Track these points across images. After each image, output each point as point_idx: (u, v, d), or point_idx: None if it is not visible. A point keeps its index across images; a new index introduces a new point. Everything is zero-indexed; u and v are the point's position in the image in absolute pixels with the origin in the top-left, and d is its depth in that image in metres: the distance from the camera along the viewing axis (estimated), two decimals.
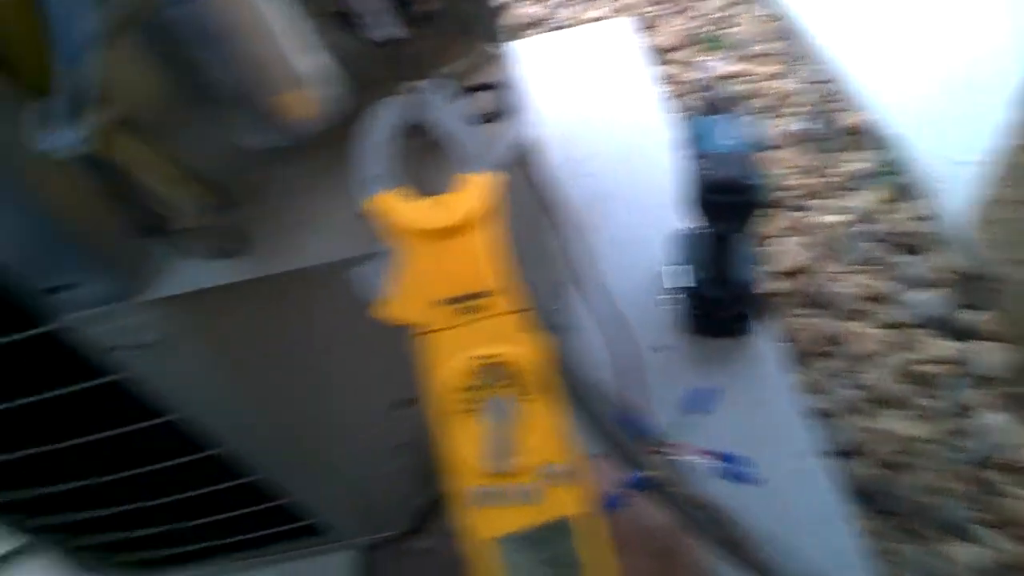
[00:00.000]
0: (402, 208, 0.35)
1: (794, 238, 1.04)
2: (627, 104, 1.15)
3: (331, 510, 0.69)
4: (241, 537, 0.72)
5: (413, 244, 0.34)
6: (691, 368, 0.85)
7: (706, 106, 0.71)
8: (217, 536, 0.70)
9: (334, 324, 0.56)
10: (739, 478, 0.47)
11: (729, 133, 0.64)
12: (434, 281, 0.34)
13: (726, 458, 0.48)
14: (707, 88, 0.74)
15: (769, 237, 1.05)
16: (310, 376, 0.56)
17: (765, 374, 0.85)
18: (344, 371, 0.58)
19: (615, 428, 0.49)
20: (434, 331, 0.34)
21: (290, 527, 0.71)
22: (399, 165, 0.36)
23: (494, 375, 0.34)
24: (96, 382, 0.46)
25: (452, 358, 0.34)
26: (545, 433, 0.34)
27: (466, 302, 0.34)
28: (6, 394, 0.46)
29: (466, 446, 0.33)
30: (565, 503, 0.34)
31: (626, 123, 1.12)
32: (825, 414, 0.89)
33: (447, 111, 0.37)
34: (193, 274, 0.40)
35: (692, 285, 0.82)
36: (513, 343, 0.34)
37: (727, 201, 0.64)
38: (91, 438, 0.51)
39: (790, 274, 1.01)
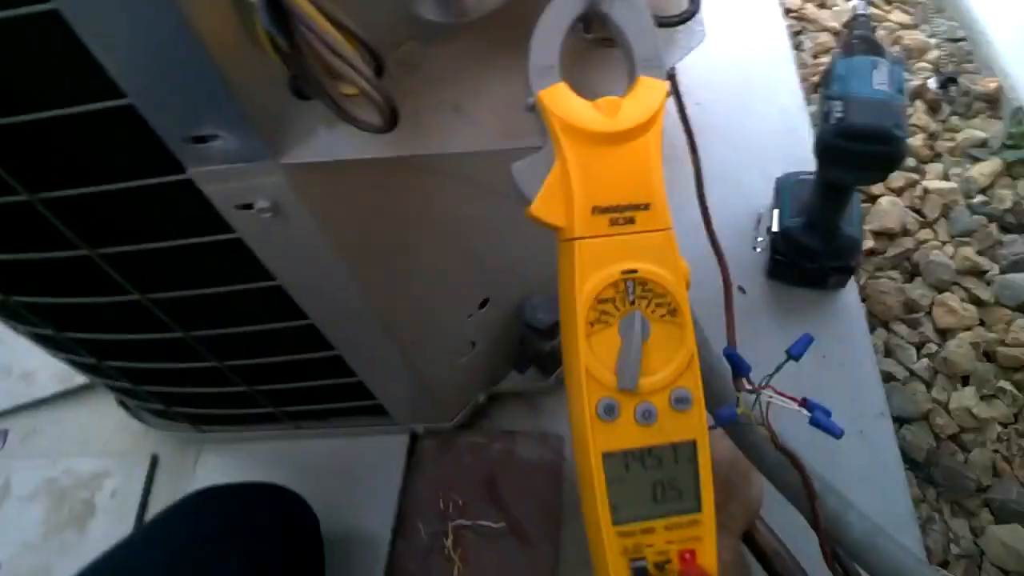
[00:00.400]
0: (573, 106, 0.33)
1: (900, 199, 1.00)
2: (749, 33, 1.09)
3: (392, 395, 0.71)
4: (313, 407, 0.74)
5: (579, 146, 0.33)
6: (774, 314, 0.84)
7: (852, 44, 0.66)
8: (290, 401, 0.73)
9: (455, 215, 0.55)
10: (824, 427, 0.46)
11: (880, 78, 0.60)
12: (594, 187, 0.33)
13: (811, 406, 0.47)
14: (856, 25, 0.69)
15: (875, 194, 1.01)
16: (414, 264, 0.56)
17: (846, 331, 0.83)
18: (448, 264, 0.58)
19: (715, 359, 0.48)
20: (585, 238, 0.33)
21: (355, 404, 0.73)
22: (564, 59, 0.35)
23: (637, 291, 0.33)
24: (217, 238, 0.46)
25: (599, 268, 0.33)
26: (678, 356, 0.33)
27: (623, 212, 0.33)
28: (138, 237, 0.47)
29: (596, 357, 0.33)
30: (687, 427, 0.33)
31: (745, 54, 1.07)
32: (897, 379, 0.87)
33: (628, 5, 0.35)
34: (333, 143, 0.39)
35: (793, 232, 0.79)
36: (661, 262, 0.33)
37: (865, 151, 0.60)
38: (202, 291, 0.52)
39: (889, 235, 0.97)
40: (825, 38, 1.21)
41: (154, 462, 0.88)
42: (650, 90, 0.34)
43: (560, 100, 0.33)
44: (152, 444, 0.90)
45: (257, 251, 0.48)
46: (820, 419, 0.49)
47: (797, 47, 1.20)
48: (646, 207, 0.33)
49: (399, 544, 0.74)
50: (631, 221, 0.33)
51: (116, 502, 0.86)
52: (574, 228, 0.33)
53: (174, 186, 0.42)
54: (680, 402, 0.33)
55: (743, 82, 1.04)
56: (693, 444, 0.33)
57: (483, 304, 0.66)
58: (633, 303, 0.33)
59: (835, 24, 1.23)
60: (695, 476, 0.33)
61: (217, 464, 0.85)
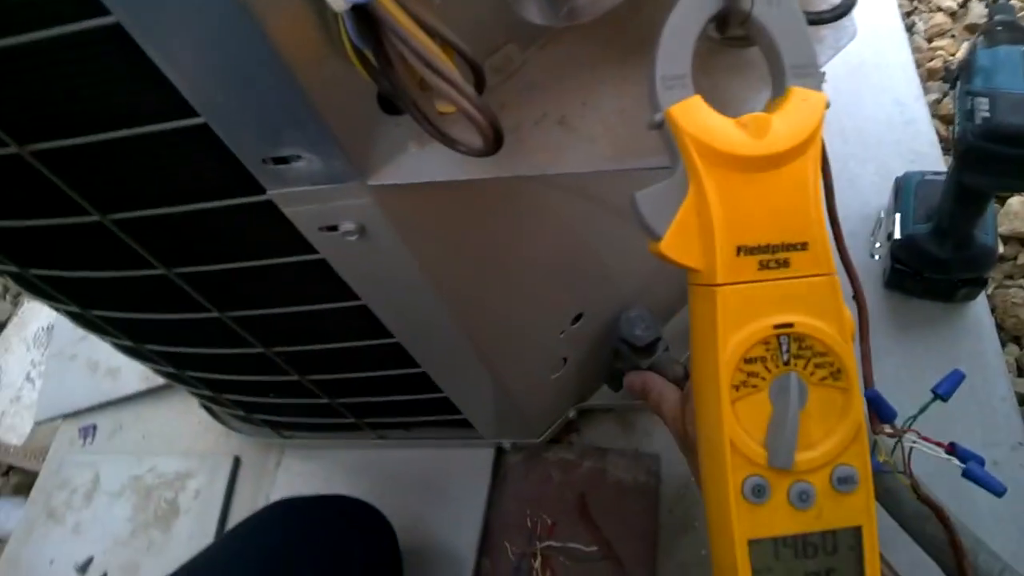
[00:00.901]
0: (712, 123, 0.27)
1: None
2: (857, 13, 0.99)
3: (479, 410, 0.67)
4: (396, 419, 0.72)
5: (721, 172, 0.27)
6: (892, 330, 0.76)
7: (994, 32, 0.57)
8: (373, 414, 0.70)
9: (550, 227, 0.51)
10: (982, 483, 0.39)
11: None
12: (740, 223, 0.27)
13: (964, 455, 0.40)
14: (996, 9, 0.60)
15: (1004, 195, 0.90)
16: (504, 281, 0.51)
17: (975, 349, 0.74)
18: (541, 280, 0.54)
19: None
20: (729, 284, 0.27)
21: (440, 418, 0.70)
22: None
23: (792, 349, 0.27)
24: (300, 258, 0.43)
25: (746, 321, 0.27)
26: (841, 428, 0.28)
27: (776, 254, 0.27)
28: (215, 257, 0.44)
29: (743, 428, 0.27)
30: (852, 512, 0.28)
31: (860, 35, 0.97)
32: None
33: (776, 1, 0.29)
34: (426, 163, 0.35)
35: (919, 239, 0.71)
36: (822, 314, 0.27)
37: (1016, 155, 0.52)
38: (283, 311, 0.49)
39: (1020, 240, 0.87)
40: (940, 19, 1.09)
41: (236, 464, 0.88)
42: (805, 104, 0.28)
43: (695, 117, 0.28)
44: (234, 446, 0.89)
45: (341, 272, 0.44)
46: (976, 472, 0.43)
47: (909, 29, 1.08)
48: (803, 247, 0.27)
49: (484, 564, 0.71)
50: (785, 264, 0.27)
51: (199, 502, 0.85)
52: (716, 272, 0.27)
53: (253, 207, 0.38)
54: (844, 482, 0.27)
55: (854, 67, 0.94)
56: (858, 531, 0.28)
57: (576, 319, 0.61)
58: (788, 363, 0.27)
59: (951, 3, 1.11)
60: (859, 567, 0.28)
61: (299, 469, 0.84)
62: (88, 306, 0.53)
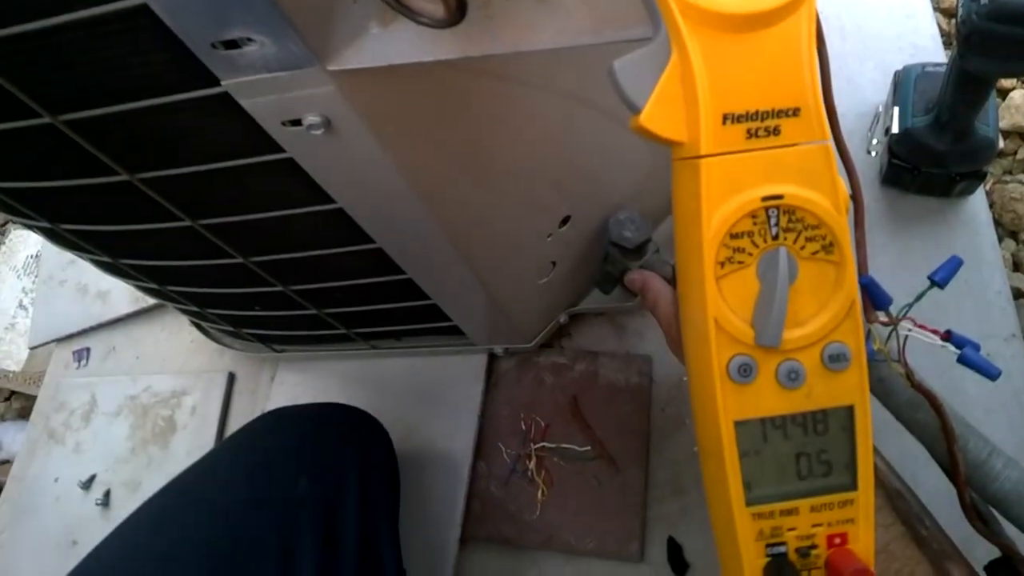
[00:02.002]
0: None
1: None
2: None
3: (468, 316, 0.67)
4: (385, 328, 0.71)
5: (705, 33, 0.25)
6: (889, 226, 0.74)
7: None
8: (362, 323, 0.69)
9: (533, 124, 0.48)
10: (977, 367, 0.38)
11: None
12: (726, 88, 0.25)
13: (960, 341, 0.39)
14: None
15: (1006, 88, 0.87)
16: (487, 181, 0.49)
17: (971, 244, 0.73)
18: (525, 180, 0.52)
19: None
20: (714, 156, 0.25)
21: (429, 325, 0.69)
22: None
23: (782, 222, 0.26)
24: (265, 158, 0.41)
25: (732, 194, 0.25)
26: (834, 303, 0.26)
27: (765, 121, 0.25)
28: (184, 160, 0.42)
29: (728, 306, 0.26)
30: (844, 390, 0.27)
31: None
32: None
33: None
34: (389, 44, 0.32)
35: (918, 133, 0.68)
36: (814, 184, 0.26)
37: (1021, 35, 0.49)
38: (255, 216, 0.47)
39: (1021, 134, 0.84)
40: None
41: (231, 380, 0.88)
42: None
43: None
44: (228, 362, 0.89)
45: (311, 172, 0.42)
46: (972, 357, 0.42)
47: None
48: (794, 113, 0.25)
49: (480, 466, 0.72)
50: (775, 132, 0.25)
51: (196, 419, 0.86)
52: (699, 143, 0.25)
53: (211, 101, 0.36)
54: (836, 360, 0.26)
55: None
56: (850, 410, 0.27)
57: (564, 222, 0.59)
58: (777, 237, 0.26)
59: None
60: (851, 448, 0.27)
61: (294, 382, 0.84)
62: (57, 219, 0.51)
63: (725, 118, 0.25)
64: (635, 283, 0.57)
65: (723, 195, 0.25)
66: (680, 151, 0.26)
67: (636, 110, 0.26)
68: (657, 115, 0.26)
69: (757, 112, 0.25)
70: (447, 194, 0.47)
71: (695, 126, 0.25)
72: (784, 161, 0.25)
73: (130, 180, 0.43)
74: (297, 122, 0.37)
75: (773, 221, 0.26)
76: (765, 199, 0.25)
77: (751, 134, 0.25)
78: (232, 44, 0.32)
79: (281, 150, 0.40)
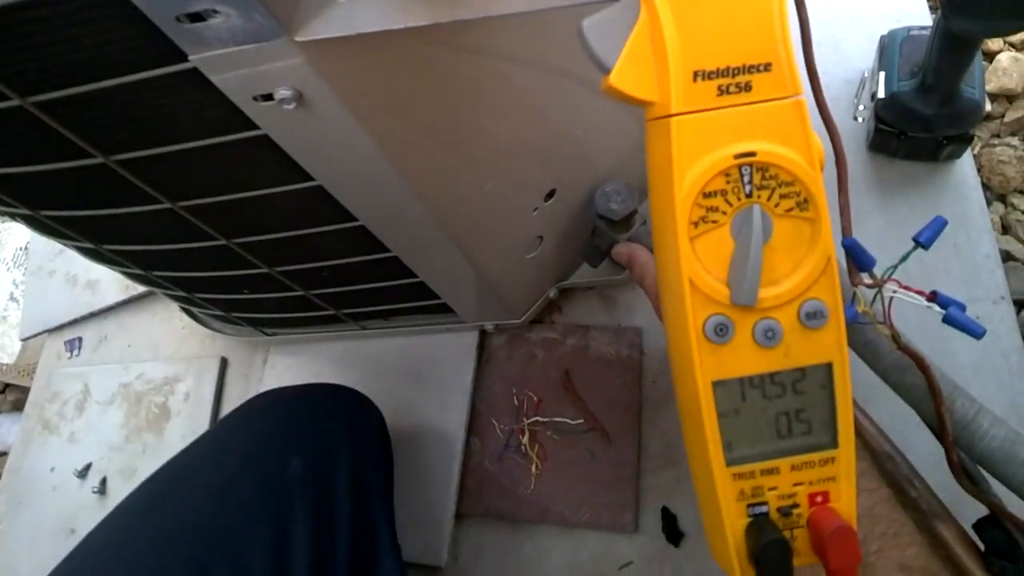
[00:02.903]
0: None
1: (1022, 54, 0.85)
2: None
3: (456, 293, 0.66)
4: (374, 308, 0.71)
5: None
6: (876, 192, 0.74)
7: None
8: (350, 303, 0.69)
9: (511, 97, 0.48)
10: (962, 327, 0.38)
11: None
12: (696, 45, 0.25)
13: (944, 301, 0.39)
14: None
15: (993, 50, 0.86)
16: (467, 155, 0.49)
17: (959, 208, 0.72)
18: (506, 154, 0.51)
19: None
20: (685, 114, 0.25)
21: (418, 304, 0.69)
22: None
23: (755, 179, 0.25)
24: (239, 136, 0.40)
25: (704, 152, 0.25)
26: (809, 260, 0.26)
27: (736, 77, 0.25)
28: (158, 140, 0.41)
29: (702, 265, 0.26)
30: (821, 348, 0.27)
31: None
32: (1016, 259, 0.77)
33: None
34: (357, 13, 0.32)
35: (904, 96, 0.68)
36: (787, 140, 0.25)
37: None
38: (236, 196, 0.47)
39: (1008, 97, 0.84)
40: None
41: (224, 365, 0.88)
42: None
43: None
44: (220, 348, 0.89)
45: (287, 148, 0.41)
46: (957, 317, 0.42)
47: None
48: (766, 68, 0.25)
49: (473, 442, 0.72)
50: (747, 88, 0.25)
51: (190, 404, 0.86)
52: (670, 101, 0.25)
53: (180, 78, 0.35)
54: (813, 317, 0.26)
55: None
56: (828, 368, 0.27)
57: (550, 196, 0.59)
58: (750, 195, 0.26)
59: None
60: (830, 405, 0.27)
61: (287, 364, 0.84)
62: (37, 206, 0.51)
63: (696, 75, 0.25)
64: (622, 256, 0.57)
65: (695, 154, 0.25)
66: (652, 111, 0.26)
67: (606, 70, 0.26)
68: (627, 74, 0.26)
69: (728, 68, 0.25)
70: (427, 169, 0.47)
71: (665, 84, 0.25)
72: (756, 117, 0.25)
73: (105, 162, 0.43)
74: (269, 97, 0.36)
75: (746, 179, 0.25)
76: (738, 156, 0.25)
77: (722, 91, 0.25)
78: (197, 17, 0.31)
79: (255, 127, 0.39)
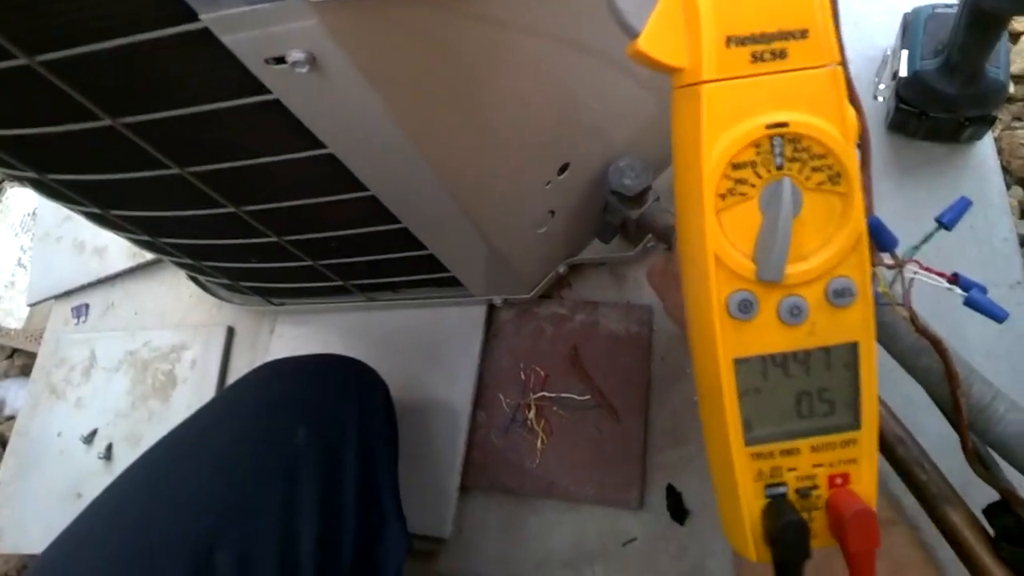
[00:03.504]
0: None
1: None
2: None
3: (466, 267, 0.66)
4: (383, 279, 0.70)
5: None
6: (895, 172, 0.73)
7: None
8: (358, 275, 0.69)
9: (527, 68, 0.47)
10: (984, 310, 0.37)
11: None
12: (729, 8, 0.24)
13: (966, 283, 0.38)
14: None
15: (1017, 31, 0.84)
16: (482, 126, 0.48)
17: (978, 191, 0.71)
18: (521, 126, 0.50)
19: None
20: (716, 81, 0.24)
21: (427, 276, 0.68)
22: None
23: (787, 151, 0.25)
24: (249, 100, 0.39)
25: (735, 121, 0.24)
26: (839, 236, 0.25)
27: (771, 43, 0.24)
28: (168, 103, 0.40)
29: (728, 239, 0.25)
30: (848, 327, 0.26)
31: None
32: None
33: None
34: None
35: (927, 76, 0.66)
36: (821, 110, 0.24)
37: None
38: (244, 163, 0.46)
39: None
40: None
41: (230, 333, 0.88)
42: None
43: None
44: (227, 316, 0.89)
45: (299, 114, 0.40)
46: (979, 300, 0.41)
47: None
48: (803, 35, 0.24)
49: (480, 416, 0.72)
50: (781, 55, 0.24)
51: (196, 372, 0.86)
52: (701, 68, 0.24)
53: (191, 38, 0.34)
54: (840, 295, 0.25)
55: None
56: (854, 348, 0.26)
57: (563, 169, 0.58)
58: (781, 168, 0.25)
59: None
60: (854, 386, 0.26)
61: (294, 335, 0.84)
62: (44, 169, 0.50)
63: (729, 41, 0.24)
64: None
65: (725, 123, 0.24)
66: (680, 78, 0.25)
67: (634, 34, 0.25)
68: (656, 39, 0.25)
69: (763, 34, 0.24)
70: (440, 139, 0.46)
71: (696, 50, 0.24)
72: (790, 86, 0.24)
73: (113, 125, 0.42)
74: (281, 60, 0.35)
75: (778, 150, 0.24)
76: (770, 127, 0.24)
77: (756, 58, 0.24)
78: None
79: (267, 91, 0.38)
